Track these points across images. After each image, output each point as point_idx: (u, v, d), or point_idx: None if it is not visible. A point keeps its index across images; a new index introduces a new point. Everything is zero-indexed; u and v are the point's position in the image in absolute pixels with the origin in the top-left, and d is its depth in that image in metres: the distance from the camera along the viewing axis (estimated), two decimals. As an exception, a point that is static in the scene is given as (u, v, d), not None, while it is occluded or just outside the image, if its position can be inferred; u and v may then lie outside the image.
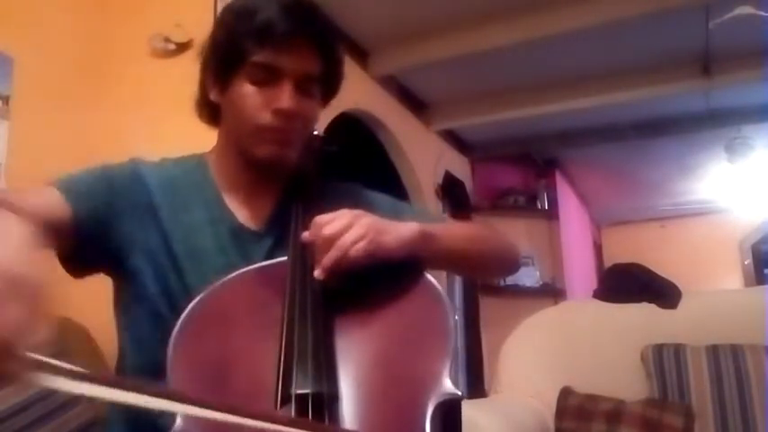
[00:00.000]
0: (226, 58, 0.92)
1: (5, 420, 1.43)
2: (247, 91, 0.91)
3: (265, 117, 0.91)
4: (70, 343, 1.74)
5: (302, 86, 0.92)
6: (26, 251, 0.54)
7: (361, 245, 0.79)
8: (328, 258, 0.79)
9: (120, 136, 2.22)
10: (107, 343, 1.81)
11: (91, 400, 0.54)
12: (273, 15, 0.89)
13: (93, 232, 0.88)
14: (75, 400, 1.61)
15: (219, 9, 2.12)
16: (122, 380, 0.54)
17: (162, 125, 2.15)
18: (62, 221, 0.84)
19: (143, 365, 0.88)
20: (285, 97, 0.90)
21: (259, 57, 0.89)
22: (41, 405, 1.52)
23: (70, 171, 0.93)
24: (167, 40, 2.19)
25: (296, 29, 0.89)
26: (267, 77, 0.90)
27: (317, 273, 0.80)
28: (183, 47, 2.19)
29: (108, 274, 0.95)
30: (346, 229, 0.80)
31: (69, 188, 0.88)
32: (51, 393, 1.55)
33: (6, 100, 1.99)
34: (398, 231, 0.85)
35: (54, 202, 0.85)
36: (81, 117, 2.26)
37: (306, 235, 0.83)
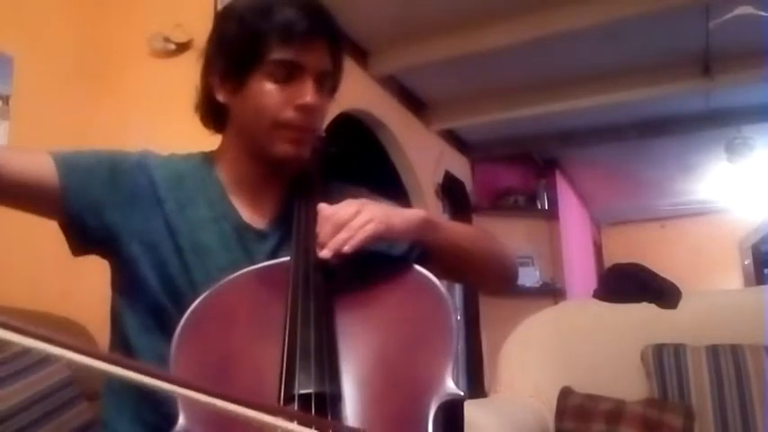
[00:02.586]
0: (241, 57, 0.92)
1: (5, 420, 1.43)
2: (268, 88, 0.91)
3: (287, 113, 0.91)
4: (70, 343, 1.74)
5: (319, 83, 0.94)
6: None
7: (371, 225, 0.81)
8: (337, 240, 0.80)
9: (121, 136, 2.22)
10: (107, 343, 1.81)
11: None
12: (293, 14, 0.90)
13: (82, 211, 0.89)
14: (76, 400, 1.61)
15: (220, 9, 2.12)
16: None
17: (162, 125, 2.15)
18: (46, 191, 0.87)
19: (148, 348, 0.88)
20: (309, 93, 0.91)
21: (281, 54, 0.90)
22: (41, 405, 1.52)
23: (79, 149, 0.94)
24: (167, 40, 2.19)
25: (315, 27, 0.91)
26: (288, 75, 0.91)
27: (324, 252, 0.80)
28: (183, 47, 2.19)
29: (104, 256, 0.96)
30: (355, 214, 0.82)
31: (65, 161, 0.89)
32: (51, 393, 1.55)
33: (6, 100, 1.99)
34: (405, 215, 0.87)
35: (41, 168, 0.87)
36: (81, 117, 2.26)
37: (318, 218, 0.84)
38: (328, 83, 0.96)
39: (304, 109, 0.91)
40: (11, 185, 0.83)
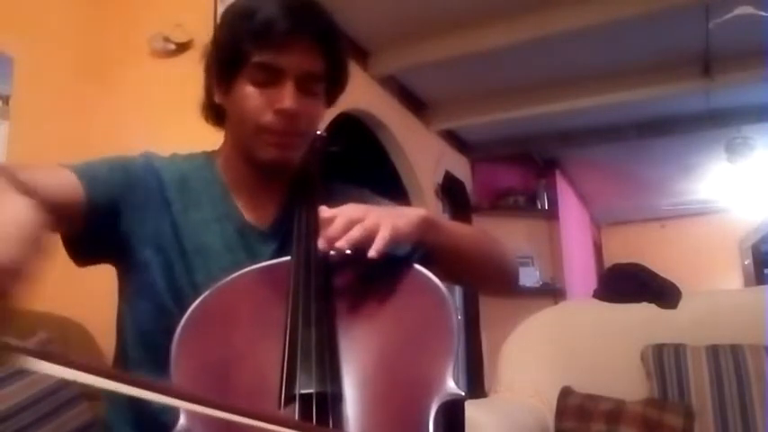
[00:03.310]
0: (227, 59, 0.92)
1: (5, 420, 1.43)
2: (249, 92, 0.90)
3: (267, 117, 0.90)
4: (70, 342, 1.74)
5: (304, 86, 0.91)
6: (19, 233, 0.56)
7: (387, 234, 0.78)
8: (351, 236, 0.77)
9: (121, 136, 2.22)
10: (107, 342, 1.81)
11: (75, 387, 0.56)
12: (273, 14, 0.88)
13: (103, 219, 0.88)
14: (76, 400, 1.61)
15: (219, 9, 2.12)
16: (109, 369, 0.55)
17: (162, 125, 2.15)
18: (73, 205, 0.84)
19: (146, 359, 0.88)
20: (287, 97, 0.89)
21: (259, 57, 0.89)
22: (41, 405, 1.52)
23: (86, 159, 0.93)
24: (167, 40, 2.19)
25: (296, 27, 0.88)
26: (268, 78, 0.90)
27: (341, 243, 0.77)
28: (183, 47, 2.19)
29: (113, 264, 0.95)
30: (362, 217, 0.80)
31: (85, 173, 0.88)
32: (51, 393, 1.55)
33: (6, 100, 1.99)
34: (408, 216, 0.86)
35: (67, 185, 0.85)
36: (81, 117, 2.26)
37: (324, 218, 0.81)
38: (317, 84, 0.93)
39: (282, 114, 0.89)
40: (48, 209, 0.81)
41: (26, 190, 0.65)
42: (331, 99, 1.00)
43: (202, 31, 2.12)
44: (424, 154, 4.16)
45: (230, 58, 0.91)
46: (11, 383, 1.49)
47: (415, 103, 4.12)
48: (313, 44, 0.91)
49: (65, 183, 0.85)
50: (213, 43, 0.96)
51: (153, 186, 0.94)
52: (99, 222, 0.88)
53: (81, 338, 1.82)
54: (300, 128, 0.93)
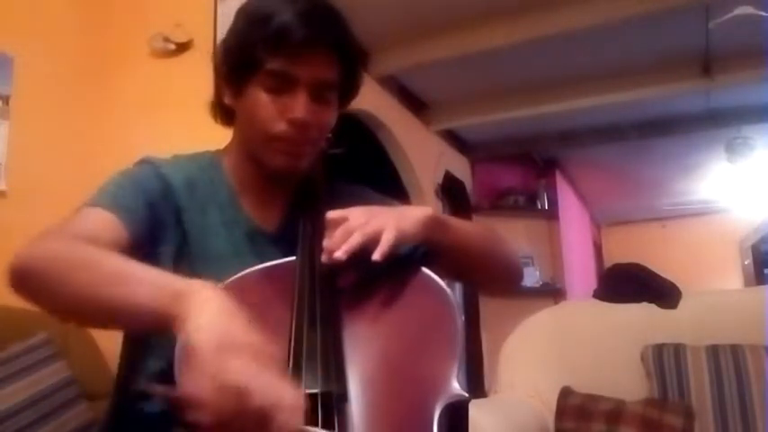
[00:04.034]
0: (239, 64, 0.90)
1: (5, 420, 1.43)
2: (261, 99, 0.89)
3: (279, 126, 0.89)
4: (70, 343, 1.74)
5: (318, 94, 0.90)
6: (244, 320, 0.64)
7: (391, 236, 0.78)
8: (350, 242, 0.77)
9: (120, 136, 2.22)
10: (107, 343, 1.81)
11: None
12: (289, 21, 0.85)
13: (138, 247, 0.85)
14: (76, 400, 1.60)
15: (219, 9, 2.12)
16: None
17: (162, 125, 2.15)
18: (120, 244, 0.81)
19: (160, 369, 0.86)
20: (300, 107, 0.88)
21: (273, 64, 0.87)
22: (41, 405, 1.51)
23: (101, 186, 0.89)
24: (167, 40, 2.19)
25: (313, 36, 0.86)
26: (281, 85, 0.88)
27: (338, 253, 0.77)
28: (183, 47, 2.19)
29: None
30: (366, 223, 0.80)
31: (118, 207, 0.85)
32: (51, 393, 1.55)
33: (6, 100, 1.99)
34: (414, 217, 0.84)
35: (112, 227, 0.83)
36: (81, 117, 2.26)
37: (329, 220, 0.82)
38: (331, 93, 0.92)
39: (295, 123, 0.88)
40: None
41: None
42: (343, 105, 0.99)
43: (202, 31, 2.12)
44: (424, 154, 4.16)
45: (242, 62, 0.89)
46: (11, 383, 1.49)
47: (415, 103, 4.12)
48: (329, 52, 0.89)
49: (110, 227, 0.82)
50: (224, 45, 0.94)
51: (168, 198, 0.91)
52: (134, 250, 0.84)
53: (81, 339, 1.82)
54: (312, 136, 0.92)
